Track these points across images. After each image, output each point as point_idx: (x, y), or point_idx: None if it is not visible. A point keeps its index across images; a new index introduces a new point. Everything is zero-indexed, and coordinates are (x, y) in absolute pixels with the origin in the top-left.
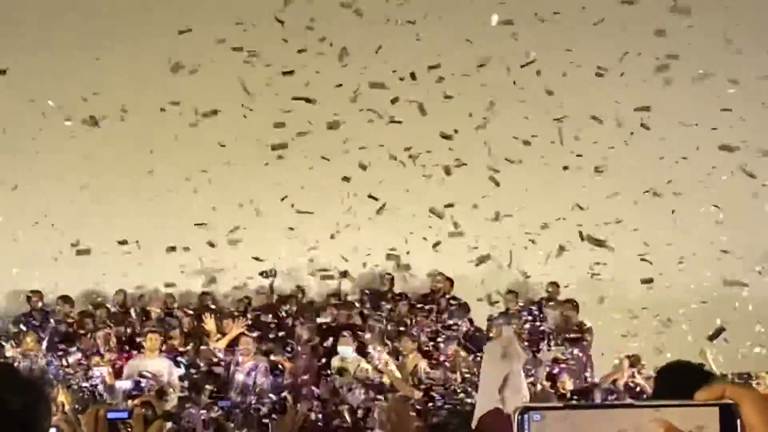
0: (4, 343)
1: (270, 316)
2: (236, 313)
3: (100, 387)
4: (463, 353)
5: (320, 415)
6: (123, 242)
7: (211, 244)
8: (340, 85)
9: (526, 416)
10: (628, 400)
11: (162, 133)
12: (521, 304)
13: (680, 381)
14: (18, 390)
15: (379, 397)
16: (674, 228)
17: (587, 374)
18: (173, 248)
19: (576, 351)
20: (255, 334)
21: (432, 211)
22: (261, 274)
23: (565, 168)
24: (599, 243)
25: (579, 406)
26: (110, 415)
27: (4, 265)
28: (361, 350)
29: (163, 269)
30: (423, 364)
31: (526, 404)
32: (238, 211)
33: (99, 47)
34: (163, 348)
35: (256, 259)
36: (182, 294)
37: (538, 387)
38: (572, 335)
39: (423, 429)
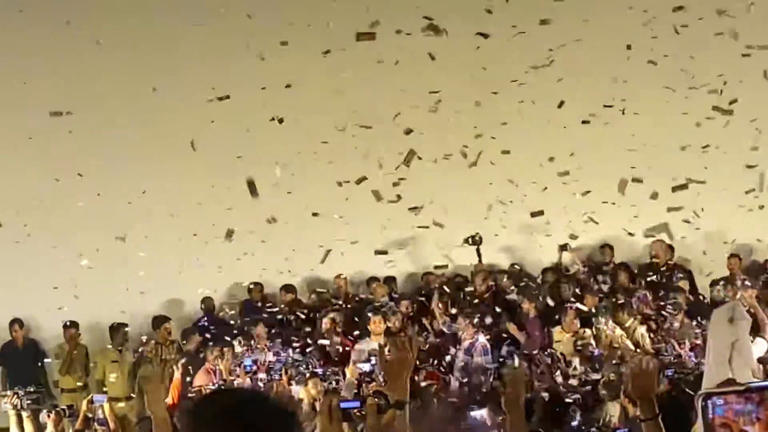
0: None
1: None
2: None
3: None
4: (686, 321)
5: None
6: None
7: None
8: None
9: (709, 402)
10: None
11: None
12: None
13: None
14: (271, 419)
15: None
16: None
17: None
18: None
19: None
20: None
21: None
22: (466, 240)
23: None
24: None
25: (761, 387)
26: (343, 405)
27: (226, 259)
28: (583, 322)
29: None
30: (647, 334)
31: (708, 390)
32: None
33: None
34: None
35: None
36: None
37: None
38: None
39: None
